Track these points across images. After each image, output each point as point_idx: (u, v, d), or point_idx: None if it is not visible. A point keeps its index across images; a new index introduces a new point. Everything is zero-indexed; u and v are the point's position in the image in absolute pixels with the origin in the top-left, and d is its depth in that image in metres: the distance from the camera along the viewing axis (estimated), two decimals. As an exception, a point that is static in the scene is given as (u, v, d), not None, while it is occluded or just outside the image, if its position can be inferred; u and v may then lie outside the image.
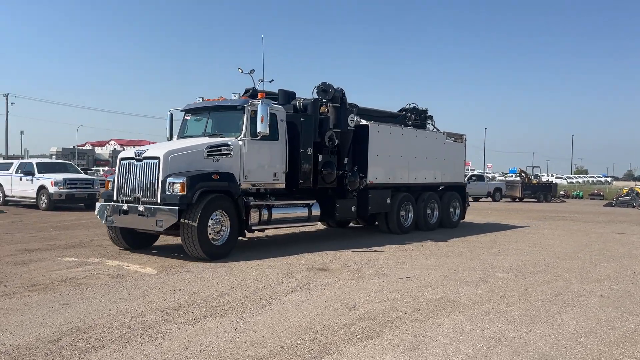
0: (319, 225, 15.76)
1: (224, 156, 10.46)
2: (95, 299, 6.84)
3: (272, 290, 7.59)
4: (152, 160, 9.95)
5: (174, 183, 9.59)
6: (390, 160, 14.48)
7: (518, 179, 42.27)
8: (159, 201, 9.70)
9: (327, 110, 12.87)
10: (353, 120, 13.31)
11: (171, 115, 12.47)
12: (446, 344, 5.35)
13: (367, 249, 11.64)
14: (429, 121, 17.46)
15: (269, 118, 10.61)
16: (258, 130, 10.57)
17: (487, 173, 61.64)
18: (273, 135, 11.30)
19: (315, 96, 12.74)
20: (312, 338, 5.46)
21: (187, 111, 12.01)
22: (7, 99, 61.60)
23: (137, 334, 5.45)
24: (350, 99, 13.50)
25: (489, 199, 37.85)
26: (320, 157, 12.44)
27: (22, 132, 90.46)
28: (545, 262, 10.60)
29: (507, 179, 49.86)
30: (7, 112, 62.13)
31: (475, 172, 47.69)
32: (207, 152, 10.26)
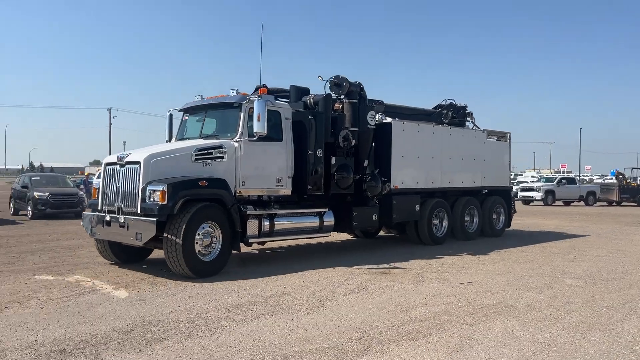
0: (342, 236, 14.37)
1: (217, 160, 9.28)
2: (168, 296, 7.44)
3: (331, 291, 7.88)
4: (134, 166, 8.91)
5: (154, 191, 8.48)
6: (418, 162, 12.89)
7: (614, 181, 38.92)
8: (139, 211, 8.63)
9: (342, 107, 11.47)
10: (374, 117, 11.82)
11: (170, 115, 11.42)
12: (491, 347, 5.38)
13: (432, 257, 11.16)
14: (468, 118, 15.71)
15: (266, 116, 9.34)
16: (255, 130, 9.34)
17: (584, 175, 58.20)
18: (276, 135, 10.06)
19: (328, 91, 11.36)
20: (358, 337, 5.67)
21: (185, 111, 10.94)
22: (109, 113, 66.32)
23: (199, 328, 5.94)
24: (389, 96, 12.09)
25: (582, 202, 35.41)
26: (333, 160, 11.06)
27: (124, 143, 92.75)
28: (624, 269, 9.85)
29: (604, 181, 46.35)
30: (110, 124, 66.11)
31: (568, 175, 45.07)
32: (196, 155, 9.11)
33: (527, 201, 35.48)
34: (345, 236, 14.49)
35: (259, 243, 10.25)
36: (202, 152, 9.18)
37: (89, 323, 6.08)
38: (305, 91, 11.57)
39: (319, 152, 10.69)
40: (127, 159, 9.05)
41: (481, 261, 10.76)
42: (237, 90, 10.02)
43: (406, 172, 12.57)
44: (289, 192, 10.34)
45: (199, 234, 8.62)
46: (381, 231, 14.96)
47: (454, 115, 15.04)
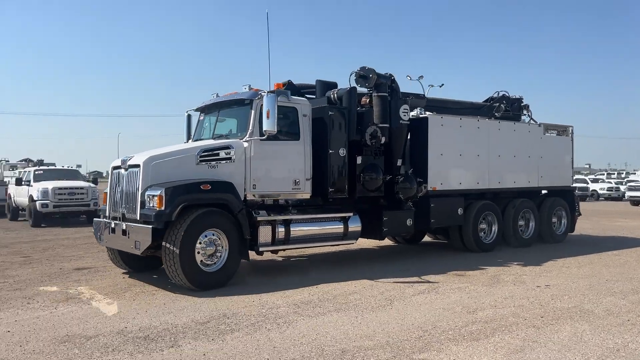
0: (385, 243, 13.30)
1: (223, 161, 8.57)
2: (244, 292, 7.83)
3: (400, 291, 7.91)
4: (135, 169, 8.37)
5: (152, 196, 7.88)
6: (461, 161, 11.63)
7: None
8: (138, 217, 8.07)
9: (370, 101, 10.46)
10: (407, 112, 10.71)
11: (188, 116, 10.86)
12: (554, 350, 5.25)
13: (511, 261, 10.66)
14: (524, 112, 14.21)
15: (276, 113, 8.53)
16: (264, 128, 8.56)
17: None
18: (292, 133, 9.24)
19: (354, 84, 10.38)
20: (418, 336, 5.73)
21: (200, 110, 10.34)
22: None
23: (268, 322, 6.29)
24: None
25: None
26: (359, 160, 10.07)
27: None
28: None
29: None
30: None
31: None
32: (201, 157, 8.44)
33: (636, 202, 32.48)
34: (385, 242, 13.41)
35: (272, 252, 9.46)
36: (208, 153, 8.50)
37: (171, 314, 6.66)
38: (332, 86, 10.66)
39: (342, 151, 9.74)
40: (129, 162, 8.53)
41: (565, 264, 10.33)
42: (250, 86, 9.28)
43: (446, 172, 11.35)
44: (307, 195, 9.47)
45: (200, 243, 7.93)
46: (426, 236, 13.81)
47: (507, 109, 13.61)
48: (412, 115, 10.95)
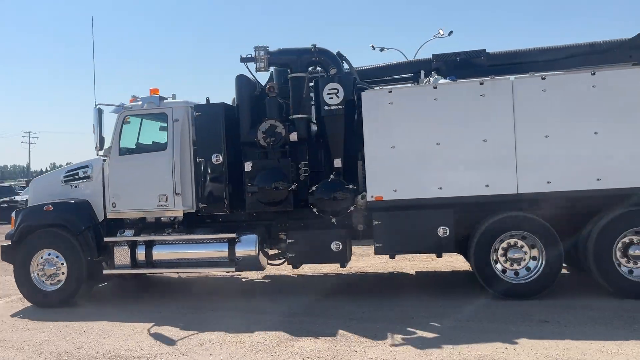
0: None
1: (83, 181, 8.47)
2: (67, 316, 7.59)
3: None
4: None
5: (14, 217, 8.63)
6: (441, 153, 7.35)
7: None
8: None
9: (273, 89, 7.99)
10: (337, 93, 7.66)
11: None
12: None
13: None
14: None
15: (100, 125, 8.00)
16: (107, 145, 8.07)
17: None
18: (159, 143, 8.24)
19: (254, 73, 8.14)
20: None
21: None
22: None
23: None
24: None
25: None
26: (248, 166, 7.90)
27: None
28: None
29: None
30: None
31: None
32: (64, 177, 8.60)
33: None
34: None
35: (134, 275, 8.61)
36: (69, 173, 8.59)
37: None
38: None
39: (216, 159, 7.92)
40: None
41: None
42: (133, 96, 8.67)
43: (407, 173, 7.44)
44: (180, 213, 8.14)
45: (38, 264, 8.16)
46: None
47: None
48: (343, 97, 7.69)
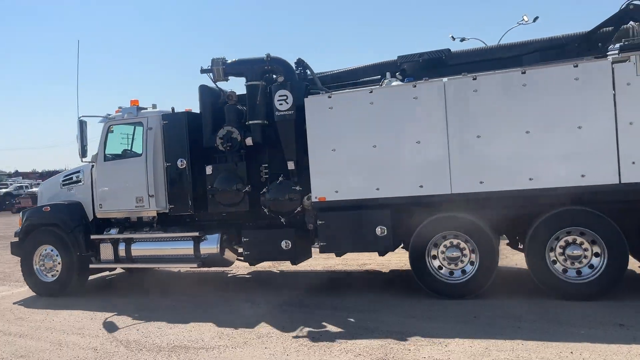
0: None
1: (77, 184, 9.53)
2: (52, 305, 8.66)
3: None
4: (42, 189, 10.51)
5: (20, 217, 9.85)
6: (376, 155, 7.54)
7: None
8: None
9: (232, 97, 8.54)
10: (286, 100, 8.09)
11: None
12: None
13: None
14: None
15: (84, 136, 8.97)
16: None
17: None
18: (136, 150, 9.11)
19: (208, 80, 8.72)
20: None
21: None
22: None
23: None
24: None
25: None
26: (209, 169, 8.54)
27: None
28: None
29: None
30: None
31: None
32: (62, 181, 9.72)
33: None
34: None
35: (107, 269, 9.62)
36: (66, 177, 9.69)
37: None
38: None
39: (181, 163, 8.64)
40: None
41: None
42: (119, 107, 9.58)
43: (346, 175, 7.71)
44: (154, 213, 8.95)
45: (40, 258, 9.30)
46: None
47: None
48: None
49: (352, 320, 6.75)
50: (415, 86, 7.41)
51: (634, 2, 7.51)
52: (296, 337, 6.24)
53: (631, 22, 7.60)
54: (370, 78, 9.16)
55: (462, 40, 26.55)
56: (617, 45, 7.47)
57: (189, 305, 8.05)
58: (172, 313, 7.68)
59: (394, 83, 7.97)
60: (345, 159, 7.69)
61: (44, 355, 6.25)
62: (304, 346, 5.91)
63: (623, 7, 7.51)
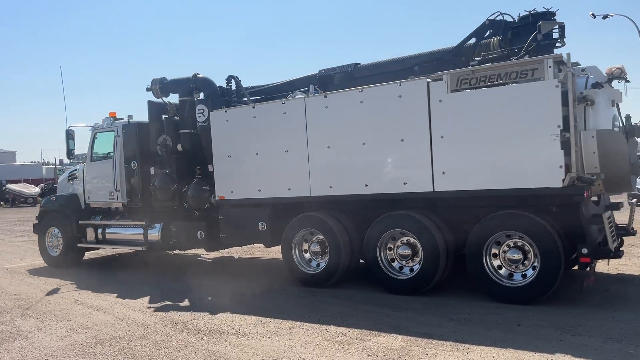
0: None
1: (75, 179, 11.96)
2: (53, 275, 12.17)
3: None
4: (64, 182, 13.17)
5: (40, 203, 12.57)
6: (258, 162, 8.78)
7: None
8: None
9: (169, 110, 10.23)
10: (202, 113, 9.62)
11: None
12: None
13: None
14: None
15: (69, 142, 11.24)
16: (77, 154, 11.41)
17: None
18: (109, 153, 11.28)
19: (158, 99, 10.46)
20: None
21: None
22: None
23: None
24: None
25: None
26: (152, 170, 10.40)
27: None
28: None
29: None
30: None
31: None
32: (68, 176, 12.21)
33: None
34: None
35: (92, 249, 12.00)
36: (71, 173, 12.16)
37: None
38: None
39: (133, 164, 10.62)
40: None
41: None
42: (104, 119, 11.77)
43: (239, 178, 9.05)
44: (121, 205, 11.05)
45: (49, 236, 11.92)
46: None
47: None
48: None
49: (388, 318, 6.52)
50: (283, 103, 8.53)
51: (489, 18, 7.87)
52: (325, 331, 6.18)
53: (495, 37, 7.92)
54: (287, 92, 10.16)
55: (605, 17, 25.11)
56: (476, 60, 7.89)
57: (247, 293, 8.33)
58: (232, 299, 8.00)
59: (298, 96, 9.08)
60: (237, 164, 9.07)
61: (104, 327, 6.79)
62: (326, 340, 5.83)
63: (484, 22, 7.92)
